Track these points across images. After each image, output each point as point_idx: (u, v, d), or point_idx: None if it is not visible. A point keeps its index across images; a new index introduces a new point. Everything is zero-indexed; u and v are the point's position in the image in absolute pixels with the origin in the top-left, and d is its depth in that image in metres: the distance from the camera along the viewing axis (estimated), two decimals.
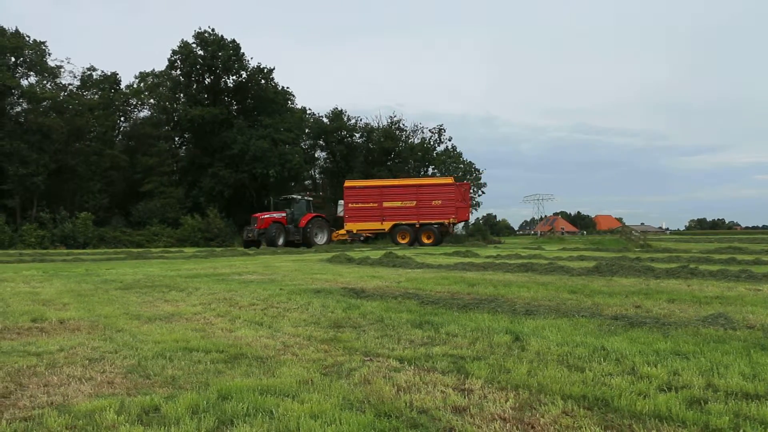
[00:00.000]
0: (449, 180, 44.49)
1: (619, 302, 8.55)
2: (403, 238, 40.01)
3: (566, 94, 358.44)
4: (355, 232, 41.01)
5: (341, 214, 41.61)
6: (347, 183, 43.17)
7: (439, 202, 40.96)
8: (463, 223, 47.43)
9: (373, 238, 42.18)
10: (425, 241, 40.11)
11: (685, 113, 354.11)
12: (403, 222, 40.45)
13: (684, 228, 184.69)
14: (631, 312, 7.59)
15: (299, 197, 39.66)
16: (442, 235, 41.02)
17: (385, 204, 40.82)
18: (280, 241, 36.08)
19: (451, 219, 41.71)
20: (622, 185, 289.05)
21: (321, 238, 38.07)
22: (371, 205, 41.00)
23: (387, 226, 40.63)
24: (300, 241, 36.91)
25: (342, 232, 41.28)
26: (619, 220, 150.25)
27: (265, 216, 36.56)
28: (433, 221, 40.53)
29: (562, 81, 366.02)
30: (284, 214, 37.44)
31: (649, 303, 8.42)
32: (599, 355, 5.07)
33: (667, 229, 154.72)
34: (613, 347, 5.32)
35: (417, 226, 40.38)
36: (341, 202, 41.78)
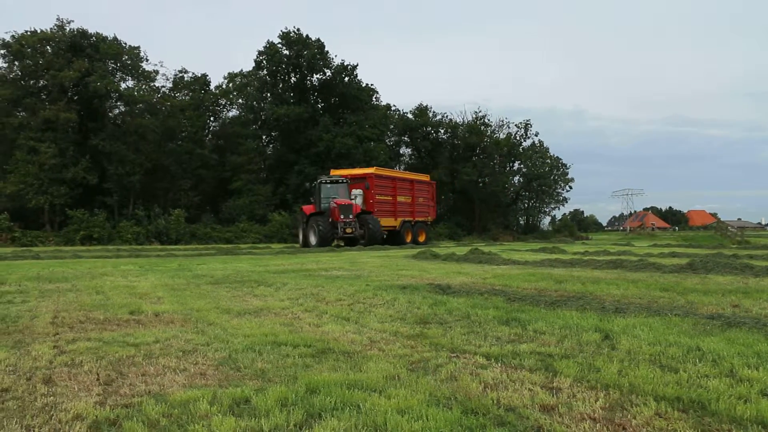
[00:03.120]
0: (427, 177, 42.64)
1: (715, 301, 8.21)
2: (407, 236, 36.90)
3: (659, 86, 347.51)
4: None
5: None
6: (375, 170, 37.38)
7: (422, 199, 39.61)
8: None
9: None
10: (419, 240, 37.82)
11: None
12: (406, 219, 37.68)
13: None
14: (728, 311, 7.27)
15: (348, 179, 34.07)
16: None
17: (398, 198, 37.42)
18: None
19: (429, 217, 40.21)
20: (717, 179, 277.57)
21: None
22: (388, 198, 36.82)
23: (398, 222, 36.86)
24: (364, 238, 31.01)
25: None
26: (714, 215, 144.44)
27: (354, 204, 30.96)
28: (420, 219, 38.89)
29: (654, 72, 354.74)
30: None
31: (749, 302, 8.04)
32: (694, 356, 4.89)
33: (767, 224, 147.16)
34: (709, 348, 5.11)
35: (413, 223, 38.06)
36: (357, 191, 34.69)
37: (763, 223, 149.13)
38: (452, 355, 5.17)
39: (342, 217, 30.25)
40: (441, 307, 7.79)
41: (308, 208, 33.23)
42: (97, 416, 3.64)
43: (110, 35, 46.22)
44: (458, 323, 6.70)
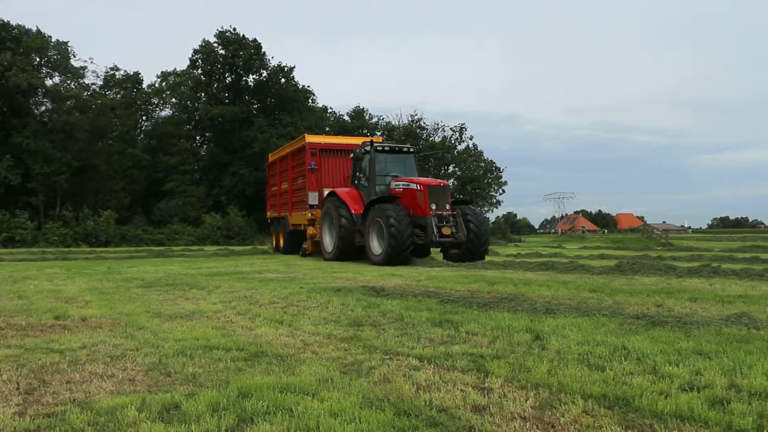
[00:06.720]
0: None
1: (640, 301, 8.46)
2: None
3: (589, 92, 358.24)
4: None
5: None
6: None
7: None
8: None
9: None
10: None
11: (710, 111, 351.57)
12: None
13: (706, 226, 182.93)
14: (652, 311, 7.51)
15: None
16: None
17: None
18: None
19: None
20: (644, 183, 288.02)
21: None
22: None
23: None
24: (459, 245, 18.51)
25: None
26: (641, 218, 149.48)
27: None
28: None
29: (586, 79, 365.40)
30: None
31: (671, 302, 8.32)
32: (620, 355, 5.02)
33: (689, 227, 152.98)
34: (634, 346, 5.27)
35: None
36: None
37: (686, 226, 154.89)
38: (385, 357, 5.17)
39: (434, 207, 17.89)
40: (375, 309, 7.79)
41: (346, 194, 20.21)
42: (15, 428, 3.49)
43: (33, 28, 44.72)
44: (392, 325, 6.71)
